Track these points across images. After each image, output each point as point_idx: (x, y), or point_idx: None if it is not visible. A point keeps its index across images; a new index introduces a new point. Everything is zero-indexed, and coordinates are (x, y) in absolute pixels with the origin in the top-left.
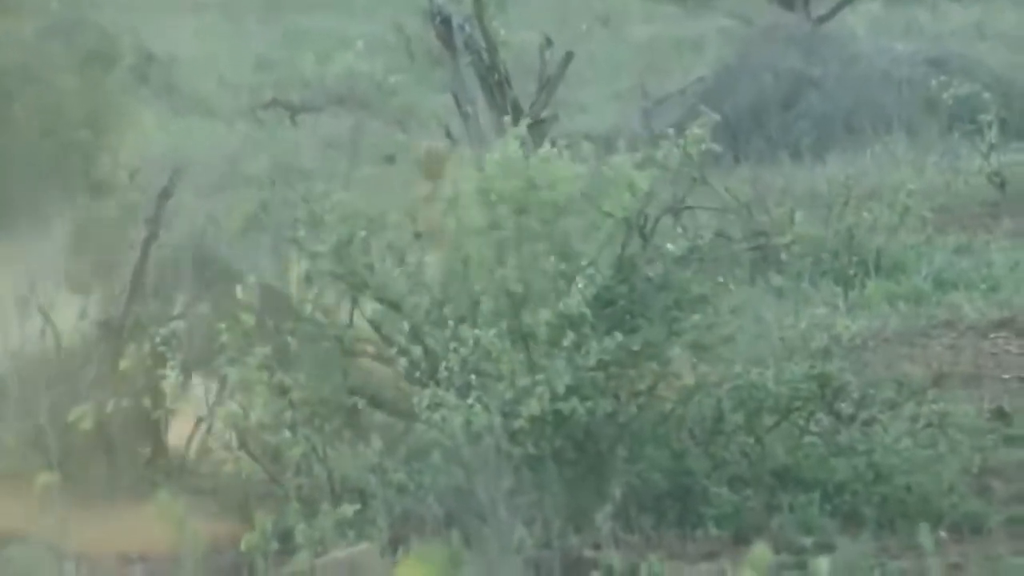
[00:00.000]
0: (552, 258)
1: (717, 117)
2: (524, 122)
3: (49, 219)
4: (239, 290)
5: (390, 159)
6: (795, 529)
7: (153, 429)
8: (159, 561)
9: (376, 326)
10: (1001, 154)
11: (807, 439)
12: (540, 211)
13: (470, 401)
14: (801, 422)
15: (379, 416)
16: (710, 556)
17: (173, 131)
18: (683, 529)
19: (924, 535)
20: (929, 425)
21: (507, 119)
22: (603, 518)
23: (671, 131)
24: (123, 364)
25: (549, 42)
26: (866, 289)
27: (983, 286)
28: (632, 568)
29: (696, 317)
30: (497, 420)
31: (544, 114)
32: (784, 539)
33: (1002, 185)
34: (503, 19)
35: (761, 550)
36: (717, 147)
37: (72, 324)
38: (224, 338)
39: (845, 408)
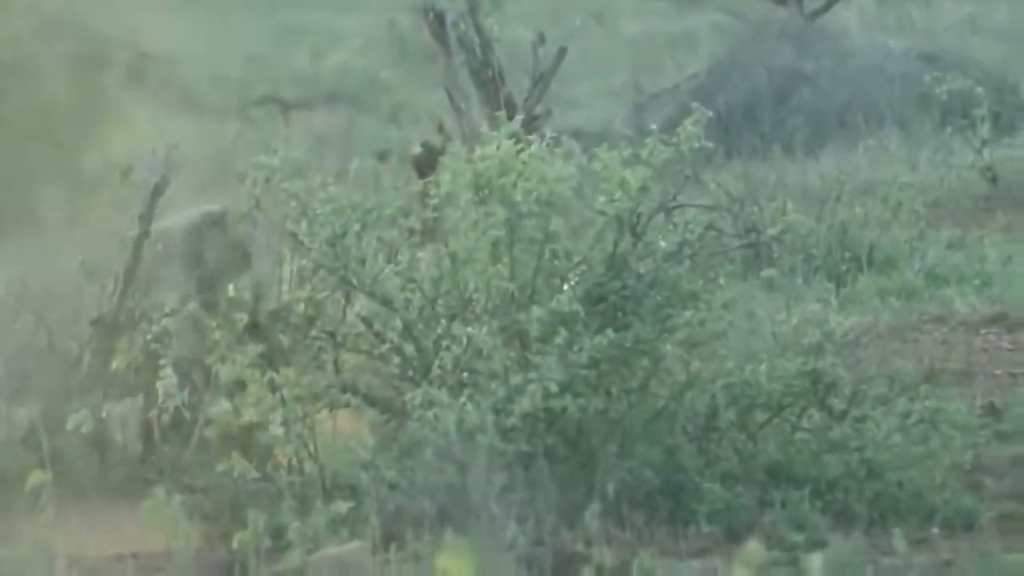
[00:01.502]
0: (544, 255)
1: (710, 113)
2: (517, 118)
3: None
4: (231, 288)
5: (383, 155)
6: (787, 526)
7: (146, 427)
8: (151, 559)
9: (368, 323)
10: (994, 149)
11: (799, 435)
12: (532, 208)
13: (462, 399)
14: (793, 418)
15: (371, 413)
16: (702, 553)
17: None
18: (675, 526)
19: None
20: (921, 421)
21: (500, 115)
22: (595, 515)
23: (657, 128)
24: (115, 362)
25: (542, 38)
26: (858, 284)
27: (976, 281)
28: (624, 565)
29: (688, 313)
30: (489, 418)
31: (537, 110)
32: (776, 536)
33: (995, 180)
34: (497, 15)
35: (753, 547)
36: (709, 144)
37: (64, 322)
38: (216, 335)
39: (837, 404)
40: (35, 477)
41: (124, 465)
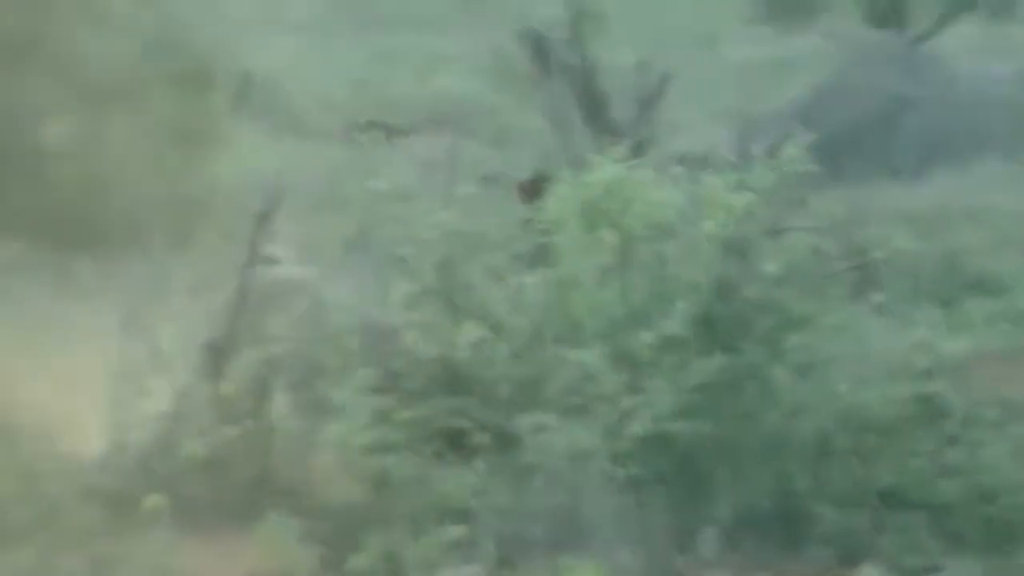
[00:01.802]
0: (655, 280)
1: (813, 137)
2: (622, 144)
3: (148, 241)
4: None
5: (487, 180)
6: (902, 550)
7: (260, 452)
8: None
9: (478, 348)
10: None
11: (912, 460)
12: (643, 233)
13: (573, 423)
14: (906, 443)
15: (483, 439)
16: None
17: (270, 152)
18: (788, 550)
19: None
20: None
21: (605, 140)
22: (707, 539)
23: (762, 152)
24: (227, 386)
25: (647, 64)
26: (967, 309)
27: None
28: None
29: (797, 337)
30: (600, 442)
31: (642, 135)
32: (891, 560)
33: None
34: (601, 40)
35: (869, 571)
36: (814, 168)
37: (175, 346)
38: (327, 361)
39: (949, 428)
40: (151, 500)
41: (238, 489)
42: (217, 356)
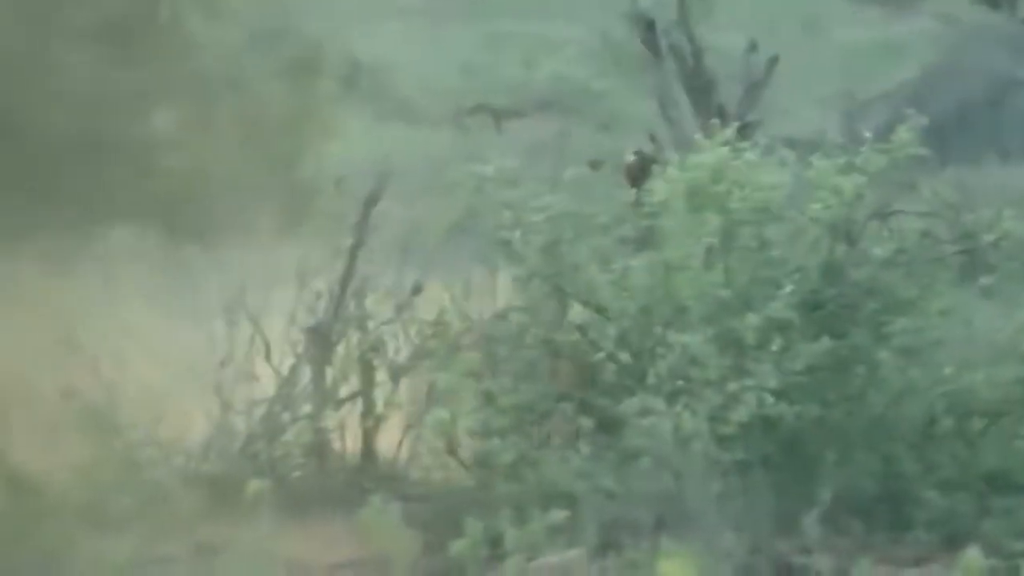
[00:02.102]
0: (759, 263)
1: (924, 120)
2: (730, 127)
3: (255, 226)
4: (446, 297)
5: (595, 164)
6: (1007, 533)
7: (363, 436)
8: (369, 567)
9: (583, 331)
10: None
11: (1018, 443)
12: (746, 216)
13: (678, 407)
14: (1012, 426)
15: (587, 422)
16: (920, 560)
17: (378, 137)
18: (894, 533)
19: None
20: None
21: (713, 123)
22: (812, 522)
23: (870, 136)
24: (331, 370)
25: (754, 46)
26: None
27: None
28: (842, 572)
29: (904, 321)
30: (705, 426)
31: (749, 118)
32: (996, 543)
33: None
34: (708, 23)
35: (973, 555)
36: (924, 150)
37: (280, 331)
38: (431, 344)
39: None
40: (254, 485)
41: (342, 473)
42: (322, 341)
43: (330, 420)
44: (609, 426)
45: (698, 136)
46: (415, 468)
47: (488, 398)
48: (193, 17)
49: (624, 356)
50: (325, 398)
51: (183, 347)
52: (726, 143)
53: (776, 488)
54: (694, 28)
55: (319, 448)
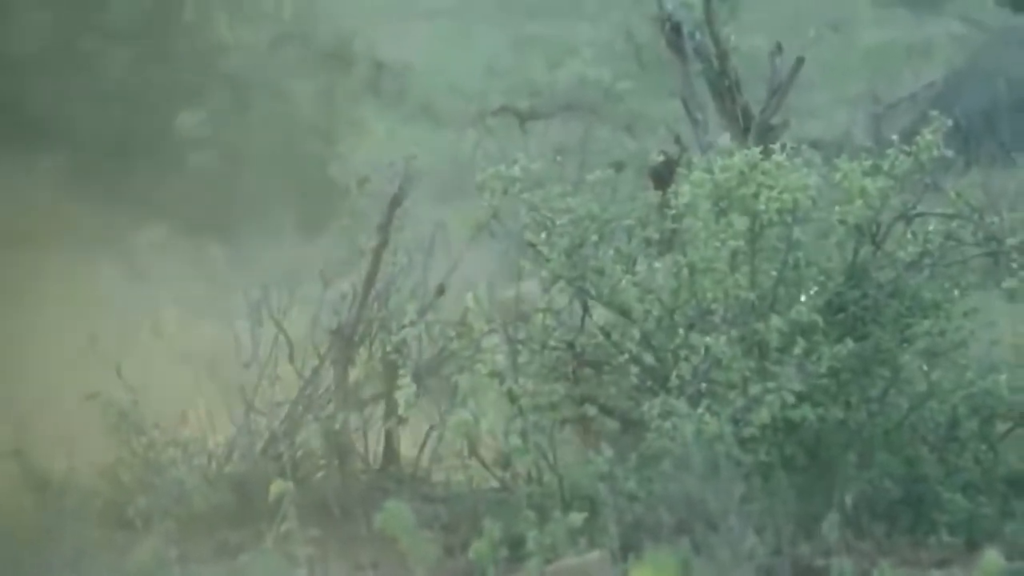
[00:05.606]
0: (786, 265)
1: (949, 122)
2: (755, 128)
3: (280, 226)
4: (469, 298)
5: (619, 166)
6: None
7: (385, 437)
8: (391, 568)
9: (607, 333)
10: None
11: None
12: (774, 218)
13: (701, 409)
14: None
15: (610, 424)
16: (942, 563)
17: (403, 138)
18: (915, 536)
19: None
20: None
21: (738, 125)
22: (834, 525)
23: (896, 138)
24: (355, 372)
25: (780, 48)
26: None
27: None
28: (863, 574)
29: (928, 323)
30: (728, 428)
31: (774, 120)
32: (1017, 546)
33: None
34: (733, 25)
35: (993, 557)
36: (949, 153)
37: (303, 332)
38: (454, 345)
39: None
40: (276, 486)
41: (364, 474)
42: (345, 342)
43: (352, 421)
44: (632, 428)
45: (724, 137)
46: (437, 469)
47: (510, 399)
48: (222, 18)
49: (647, 358)
50: (348, 399)
51: (207, 347)
52: (751, 145)
53: (798, 490)
54: (719, 29)
55: (341, 449)
